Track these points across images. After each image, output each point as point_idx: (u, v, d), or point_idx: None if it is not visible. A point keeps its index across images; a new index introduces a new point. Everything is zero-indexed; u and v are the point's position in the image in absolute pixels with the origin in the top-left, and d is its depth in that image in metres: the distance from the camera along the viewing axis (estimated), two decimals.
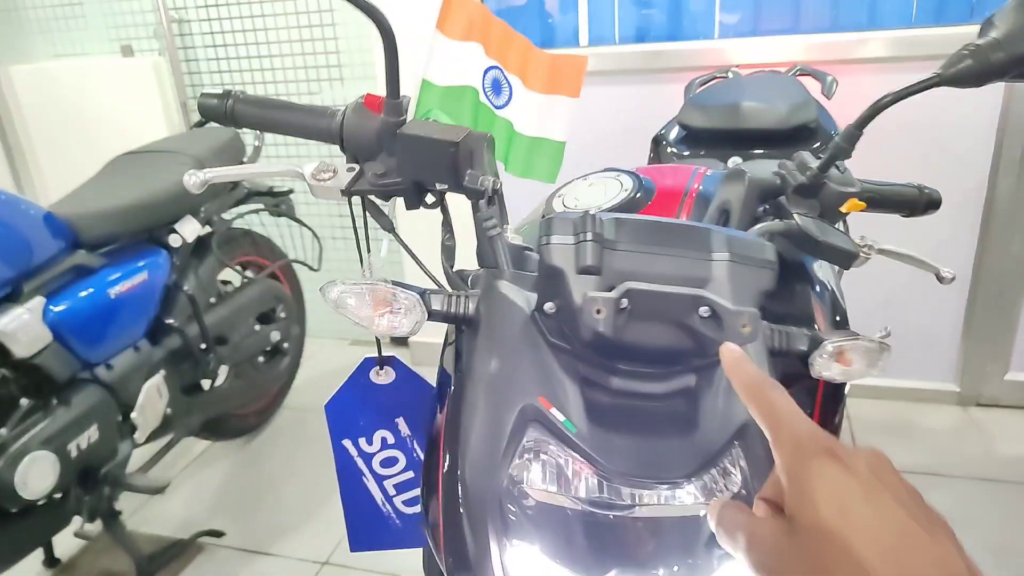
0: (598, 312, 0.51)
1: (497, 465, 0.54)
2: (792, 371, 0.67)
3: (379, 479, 0.79)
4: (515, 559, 0.53)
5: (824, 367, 0.64)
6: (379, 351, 0.75)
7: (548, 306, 0.57)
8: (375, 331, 0.62)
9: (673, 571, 0.54)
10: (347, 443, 0.77)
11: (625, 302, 0.52)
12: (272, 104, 0.73)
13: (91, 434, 1.60)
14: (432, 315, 0.62)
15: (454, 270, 0.71)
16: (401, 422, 0.77)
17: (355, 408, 0.76)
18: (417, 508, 0.80)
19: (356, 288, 0.60)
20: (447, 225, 0.71)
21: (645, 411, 0.57)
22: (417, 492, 0.79)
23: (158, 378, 1.80)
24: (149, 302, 1.80)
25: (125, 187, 1.80)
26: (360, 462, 0.78)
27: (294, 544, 1.92)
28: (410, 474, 0.78)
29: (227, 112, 0.73)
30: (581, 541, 0.54)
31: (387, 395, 0.75)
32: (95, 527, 1.73)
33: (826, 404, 0.80)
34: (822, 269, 0.86)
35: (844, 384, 0.84)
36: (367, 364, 0.75)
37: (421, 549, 0.91)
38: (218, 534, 1.94)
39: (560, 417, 0.55)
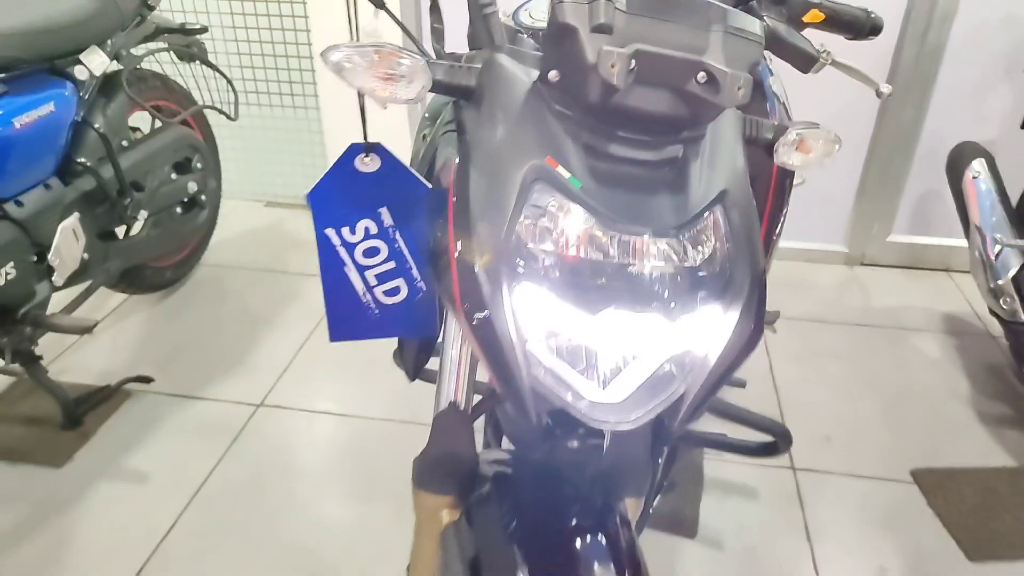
0: (612, 66, 0.54)
1: (506, 221, 0.59)
2: (755, 161, 0.74)
3: (360, 269, 0.81)
4: (523, 297, 0.59)
5: (787, 154, 0.71)
6: (364, 135, 0.76)
7: (552, 74, 0.60)
8: (377, 97, 0.62)
9: (658, 311, 0.62)
10: (330, 232, 0.79)
11: (633, 63, 0.56)
12: None
13: (7, 271, 1.53)
14: (435, 85, 0.64)
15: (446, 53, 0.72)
16: (384, 212, 0.79)
17: (339, 196, 0.77)
18: (396, 298, 0.84)
19: (362, 50, 0.60)
20: (435, 8, 0.71)
21: (639, 176, 0.62)
22: (396, 283, 0.83)
23: (73, 220, 1.72)
24: (57, 136, 1.68)
25: (20, 9, 1.63)
26: (343, 252, 0.80)
27: (226, 388, 1.94)
28: (391, 264, 0.82)
29: None
30: (581, 285, 0.60)
31: (371, 184, 0.77)
32: (19, 369, 1.68)
33: (776, 197, 0.89)
34: (776, 83, 0.92)
35: (790, 181, 0.92)
36: (353, 151, 0.75)
37: (395, 344, 0.97)
38: (146, 380, 1.93)
39: (566, 174, 0.59)
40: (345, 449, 1.75)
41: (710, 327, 0.63)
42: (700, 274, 0.63)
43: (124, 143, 1.90)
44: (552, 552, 0.67)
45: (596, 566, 0.67)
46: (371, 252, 0.81)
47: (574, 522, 0.69)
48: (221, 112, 2.21)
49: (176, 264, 2.34)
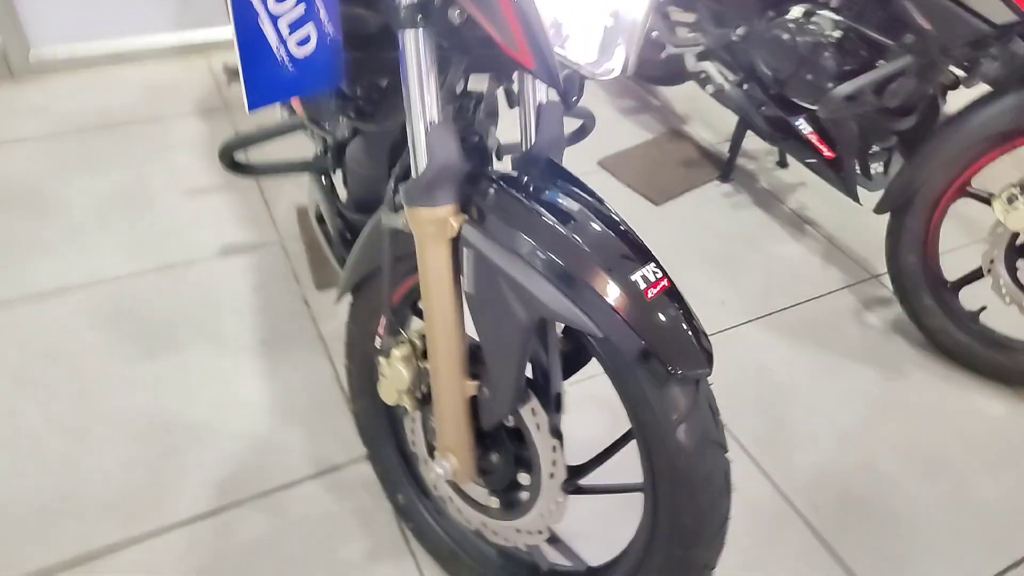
0: None
1: None
2: None
3: (274, 20, 0.76)
4: None
5: None
6: None
7: None
8: None
9: None
10: None
11: None
12: None
13: None
14: None
15: None
16: None
17: None
18: (307, 48, 0.81)
19: None
20: None
21: None
22: (307, 30, 0.80)
23: None
24: None
25: None
26: (257, 2, 0.74)
27: None
28: (300, 9, 0.78)
29: None
30: None
31: None
32: None
33: None
34: None
35: None
36: None
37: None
38: None
39: None
40: (113, 315, 1.55)
41: None
42: None
43: None
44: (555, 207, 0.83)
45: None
46: None
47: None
48: None
49: None
